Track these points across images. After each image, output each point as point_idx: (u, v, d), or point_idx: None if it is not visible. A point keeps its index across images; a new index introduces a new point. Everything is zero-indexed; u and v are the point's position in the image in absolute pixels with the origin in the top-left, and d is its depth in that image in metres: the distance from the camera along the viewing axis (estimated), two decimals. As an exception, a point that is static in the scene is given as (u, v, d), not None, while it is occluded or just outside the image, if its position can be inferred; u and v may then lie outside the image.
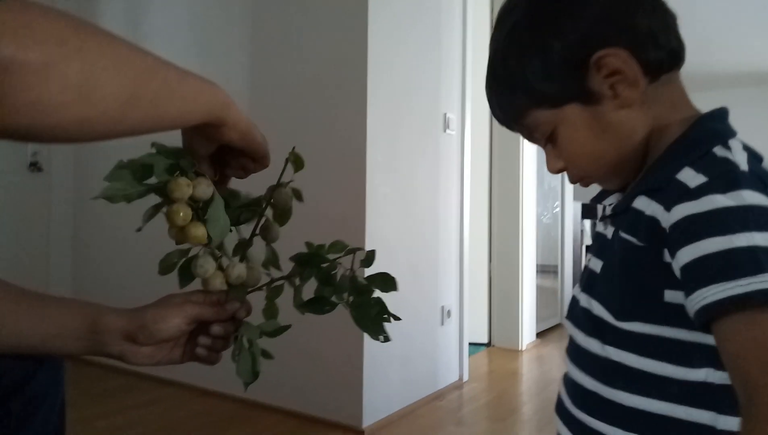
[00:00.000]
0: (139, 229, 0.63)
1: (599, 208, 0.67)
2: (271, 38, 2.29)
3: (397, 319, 0.63)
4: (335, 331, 1.96)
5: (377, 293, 0.66)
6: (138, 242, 2.73)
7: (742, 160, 0.48)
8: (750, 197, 0.45)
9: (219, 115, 0.55)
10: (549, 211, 4.11)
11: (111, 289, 2.83)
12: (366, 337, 0.67)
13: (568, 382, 0.61)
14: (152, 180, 0.59)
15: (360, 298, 0.63)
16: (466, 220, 2.66)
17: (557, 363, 3.03)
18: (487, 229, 3.40)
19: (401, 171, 2.21)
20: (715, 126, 0.54)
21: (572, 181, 0.62)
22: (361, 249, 0.65)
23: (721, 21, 5.02)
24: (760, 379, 0.40)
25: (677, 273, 0.47)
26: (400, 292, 2.06)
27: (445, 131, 2.51)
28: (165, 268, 0.65)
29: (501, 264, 3.36)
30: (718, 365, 0.47)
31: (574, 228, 4.36)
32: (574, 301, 0.63)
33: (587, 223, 4.52)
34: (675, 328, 0.50)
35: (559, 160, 0.60)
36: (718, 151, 0.50)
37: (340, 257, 0.65)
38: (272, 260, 0.68)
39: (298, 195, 0.68)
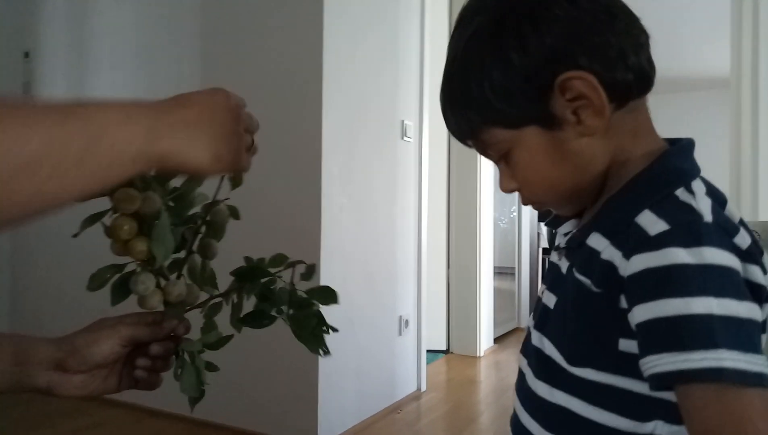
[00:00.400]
0: (75, 235, 0.58)
1: (556, 235, 0.63)
2: (222, 43, 2.22)
3: (334, 330, 0.60)
4: (287, 345, 1.90)
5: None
6: (79, 249, 2.61)
7: (706, 209, 0.45)
8: (711, 256, 0.42)
9: (158, 160, 0.45)
10: (506, 215, 4.14)
11: (51, 299, 2.69)
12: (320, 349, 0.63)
13: (516, 425, 0.58)
14: None
15: (299, 312, 0.60)
16: (424, 227, 2.64)
17: (514, 369, 3.04)
18: (445, 235, 3.39)
19: (358, 180, 2.17)
20: (679, 164, 0.50)
21: (524, 203, 0.58)
22: (302, 262, 0.62)
23: (677, 28, 5.18)
24: (748, 426, 0.39)
25: (632, 320, 0.45)
26: (357, 303, 2.04)
27: (402, 138, 2.49)
28: (97, 284, 0.60)
29: (459, 271, 3.36)
30: (668, 419, 0.46)
31: (530, 231, 4.42)
32: (528, 334, 0.60)
33: (543, 225, 4.59)
34: (628, 378, 0.47)
35: (512, 181, 0.56)
36: (681, 194, 0.47)
37: (280, 271, 0.62)
38: (210, 278, 0.64)
39: (234, 213, 0.65)
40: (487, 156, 0.57)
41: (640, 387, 0.46)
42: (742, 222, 0.48)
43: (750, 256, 0.45)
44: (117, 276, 0.60)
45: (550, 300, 0.56)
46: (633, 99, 0.51)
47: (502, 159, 0.56)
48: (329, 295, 0.61)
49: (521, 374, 0.60)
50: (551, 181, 0.53)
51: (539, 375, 0.55)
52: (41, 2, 2.83)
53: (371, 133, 2.29)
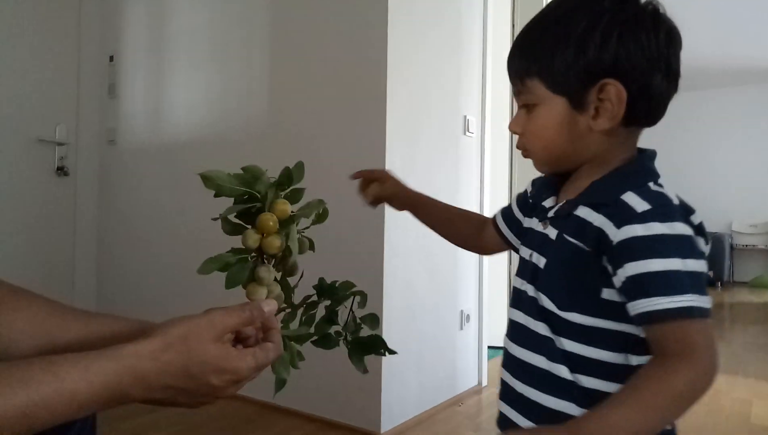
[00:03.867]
0: (214, 219, 0.72)
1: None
2: (290, 41, 2.30)
3: (393, 352, 0.76)
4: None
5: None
6: (161, 246, 2.77)
7: (673, 197, 0.61)
8: (681, 228, 0.58)
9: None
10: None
11: (134, 293, 2.88)
12: (385, 341, 0.78)
13: (513, 362, 0.70)
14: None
15: (356, 337, 0.77)
16: (485, 223, 2.63)
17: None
18: (507, 231, 3.36)
19: (420, 174, 2.20)
20: (650, 165, 0.66)
21: (518, 147, 0.71)
22: (362, 292, 0.78)
23: (743, 17, 4.91)
24: (703, 348, 0.56)
25: (618, 279, 0.59)
26: (419, 296, 2.08)
27: (465, 134, 2.50)
28: (213, 268, 0.69)
29: (521, 267, 3.32)
30: (636, 351, 0.62)
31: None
32: (519, 291, 0.71)
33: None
34: (607, 320, 0.62)
35: (520, 126, 0.69)
36: (653, 186, 0.62)
37: (347, 297, 0.77)
38: (289, 290, 0.77)
39: (311, 246, 0.79)
40: (518, 98, 0.69)
41: (616, 326, 0.61)
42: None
43: (699, 230, 0.61)
44: (236, 262, 0.69)
45: (540, 261, 0.68)
46: (636, 126, 0.67)
47: (526, 106, 0.68)
48: (375, 321, 0.79)
49: (515, 324, 0.71)
50: (550, 145, 0.67)
51: (539, 318, 0.67)
52: (123, 9, 3.03)
53: (434, 128, 2.31)
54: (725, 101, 7.24)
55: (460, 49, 2.49)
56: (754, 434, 2.16)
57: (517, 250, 0.80)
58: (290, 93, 2.30)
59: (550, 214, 0.69)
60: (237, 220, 0.72)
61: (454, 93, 2.44)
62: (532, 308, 0.67)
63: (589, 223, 0.62)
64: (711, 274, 6.58)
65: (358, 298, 0.77)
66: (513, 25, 3.29)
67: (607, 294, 0.61)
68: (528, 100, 0.67)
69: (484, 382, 2.61)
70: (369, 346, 0.76)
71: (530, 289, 0.68)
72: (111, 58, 3.06)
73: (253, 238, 0.68)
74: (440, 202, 0.98)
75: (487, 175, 2.65)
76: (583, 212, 0.64)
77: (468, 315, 2.52)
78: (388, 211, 2.00)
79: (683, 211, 0.61)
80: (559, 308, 0.64)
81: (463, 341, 2.50)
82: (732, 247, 7.00)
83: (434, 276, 2.29)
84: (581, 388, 0.63)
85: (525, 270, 0.71)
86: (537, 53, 0.65)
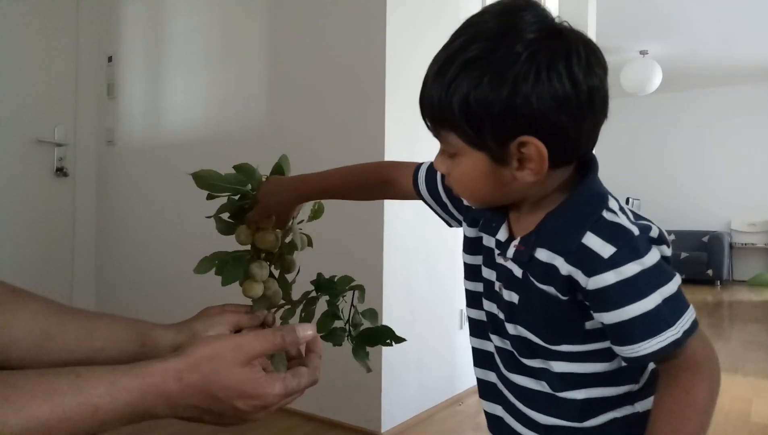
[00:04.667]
0: (210, 217, 0.73)
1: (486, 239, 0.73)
2: (288, 41, 2.30)
3: (402, 340, 0.75)
4: (353, 335, 1.96)
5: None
6: (160, 247, 2.77)
7: (629, 224, 0.59)
8: (649, 260, 0.57)
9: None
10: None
11: (133, 293, 2.87)
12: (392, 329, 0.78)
13: (511, 387, 0.70)
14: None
15: (359, 331, 0.76)
16: (485, 222, 2.63)
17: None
18: (506, 231, 3.36)
19: (419, 174, 2.20)
20: (596, 188, 0.62)
21: (445, 184, 0.69)
22: (361, 286, 0.77)
23: (746, 15, 4.91)
24: (703, 353, 0.58)
25: (600, 320, 0.59)
26: (418, 295, 2.08)
27: (463, 133, 2.49)
28: (208, 267, 0.70)
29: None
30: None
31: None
32: (495, 317, 0.70)
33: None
34: (595, 343, 0.62)
35: (445, 168, 0.64)
36: (607, 215, 0.59)
37: (346, 291, 0.77)
38: (287, 286, 0.77)
39: (309, 242, 0.80)
40: (436, 138, 0.63)
41: (606, 344, 0.61)
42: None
43: (660, 240, 0.59)
44: (232, 259, 0.70)
45: (512, 297, 0.66)
46: (568, 165, 0.61)
47: (446, 152, 0.63)
48: (374, 316, 0.77)
49: (504, 352, 0.70)
50: (476, 192, 0.63)
51: (526, 355, 0.66)
52: (122, 10, 3.03)
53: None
54: (724, 100, 7.24)
55: (459, 48, 2.49)
56: (755, 433, 2.16)
57: (443, 219, 0.83)
58: (288, 93, 2.30)
59: (509, 253, 0.66)
60: (229, 220, 0.72)
61: (452, 92, 2.44)
62: (519, 344, 0.67)
63: (556, 269, 0.60)
64: (710, 272, 6.58)
65: (357, 293, 0.77)
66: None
67: (590, 325, 0.62)
68: (447, 148, 0.62)
69: (484, 382, 2.61)
70: (376, 337, 0.75)
71: (510, 327, 0.67)
72: (110, 59, 3.06)
73: (245, 234, 0.69)
74: (324, 179, 0.86)
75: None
76: (544, 256, 0.61)
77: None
78: (388, 211, 2.00)
79: (643, 235, 0.58)
80: (547, 343, 0.64)
81: (462, 341, 2.49)
82: (731, 246, 7.01)
83: (433, 275, 2.29)
84: (582, 402, 0.64)
85: (498, 302, 0.69)
86: (449, 102, 0.57)
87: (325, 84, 2.17)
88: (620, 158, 7.46)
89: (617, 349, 0.59)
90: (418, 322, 2.18)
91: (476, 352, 0.76)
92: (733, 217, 7.25)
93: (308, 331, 0.60)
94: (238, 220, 0.73)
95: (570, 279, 0.59)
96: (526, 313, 0.64)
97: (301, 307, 0.76)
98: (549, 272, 0.61)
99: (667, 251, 0.61)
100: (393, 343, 0.74)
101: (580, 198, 0.61)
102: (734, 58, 6.14)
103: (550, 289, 0.61)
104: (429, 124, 0.62)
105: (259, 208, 0.75)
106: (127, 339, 0.65)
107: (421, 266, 2.21)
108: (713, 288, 6.52)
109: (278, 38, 2.34)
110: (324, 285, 0.77)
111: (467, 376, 2.52)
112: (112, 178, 3.03)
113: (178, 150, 2.71)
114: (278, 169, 0.80)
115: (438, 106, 0.58)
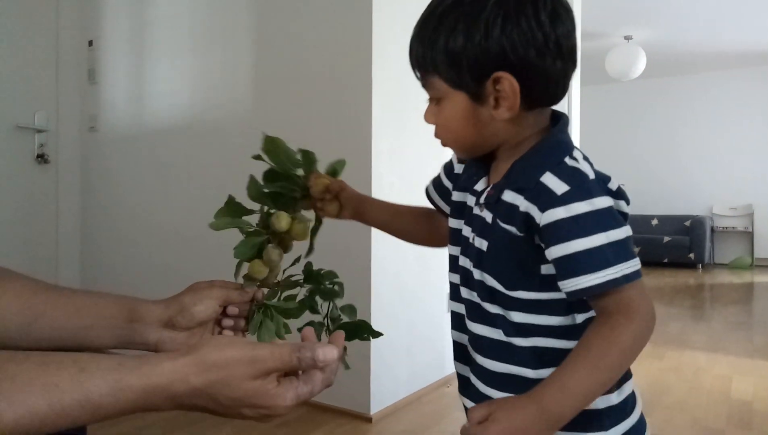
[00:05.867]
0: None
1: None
2: (273, 27, 2.28)
3: (378, 335, 0.79)
4: (342, 319, 1.97)
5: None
6: (145, 234, 2.75)
7: (588, 170, 0.64)
8: (600, 202, 0.61)
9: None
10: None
11: (119, 281, 2.85)
12: (373, 326, 0.81)
13: (473, 338, 0.73)
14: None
15: (339, 324, 0.80)
16: (472, 207, 2.64)
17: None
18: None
19: (409, 159, 2.20)
20: (563, 138, 0.68)
21: (435, 136, 0.73)
22: (341, 283, 0.83)
23: (730, 1, 4.95)
24: (639, 302, 0.60)
25: (548, 255, 0.62)
26: (406, 280, 2.10)
27: (450, 118, 2.49)
28: (234, 225, 0.74)
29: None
30: (581, 310, 0.66)
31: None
32: (467, 272, 0.73)
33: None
34: (549, 292, 0.65)
35: (432, 117, 0.70)
36: (569, 161, 0.64)
37: (326, 286, 0.81)
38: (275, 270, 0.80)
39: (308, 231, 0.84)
40: (425, 90, 0.71)
41: (559, 296, 0.64)
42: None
43: (618, 194, 0.64)
44: (249, 234, 0.75)
45: (482, 244, 0.70)
46: (540, 107, 0.68)
47: (434, 100, 0.70)
48: (352, 312, 0.83)
49: (469, 302, 0.73)
50: (459, 136, 0.69)
51: (489, 300, 0.70)
52: (103, -7, 2.96)
53: (421, 112, 2.30)
54: (708, 85, 7.31)
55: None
56: (735, 408, 2.21)
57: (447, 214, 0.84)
58: (274, 79, 2.27)
59: (482, 199, 0.71)
60: (266, 191, 0.75)
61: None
62: (483, 290, 0.70)
63: (516, 208, 0.65)
64: (692, 256, 6.69)
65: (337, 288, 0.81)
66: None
67: (545, 269, 0.65)
68: (432, 94, 0.69)
69: (472, 364, 2.64)
70: (353, 332, 0.78)
71: (476, 273, 0.71)
72: (90, 43, 3.00)
73: (285, 221, 0.72)
74: (384, 201, 0.96)
75: (473, 159, 2.65)
76: (509, 197, 0.66)
77: (455, 298, 2.54)
78: (375, 194, 2.00)
79: (600, 183, 0.63)
80: (506, 288, 0.67)
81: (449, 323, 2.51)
82: (713, 230, 7.11)
83: (422, 260, 2.30)
84: (534, 350, 0.67)
85: (469, 252, 0.73)
86: (432, 45, 0.66)
87: (312, 70, 2.15)
88: (604, 143, 7.51)
89: (561, 283, 0.62)
90: (407, 306, 2.19)
91: (453, 315, 0.79)
92: (714, 201, 7.36)
93: (329, 354, 0.55)
94: (280, 205, 0.76)
95: (527, 216, 0.63)
96: (493, 259, 0.68)
97: (281, 291, 0.78)
98: (511, 212, 0.65)
99: (626, 208, 0.65)
100: (370, 337, 0.78)
101: (547, 144, 0.67)
102: (718, 44, 6.19)
103: (512, 229, 0.65)
104: (417, 73, 0.70)
105: (345, 195, 0.87)
106: (115, 315, 0.64)
107: (410, 251, 2.22)
108: (695, 271, 6.63)
109: (264, 23, 2.31)
110: (312, 276, 0.80)
111: (455, 359, 2.55)
112: (96, 165, 2.99)
113: (163, 137, 2.68)
114: (332, 172, 0.83)
115: (422, 54, 0.67)
